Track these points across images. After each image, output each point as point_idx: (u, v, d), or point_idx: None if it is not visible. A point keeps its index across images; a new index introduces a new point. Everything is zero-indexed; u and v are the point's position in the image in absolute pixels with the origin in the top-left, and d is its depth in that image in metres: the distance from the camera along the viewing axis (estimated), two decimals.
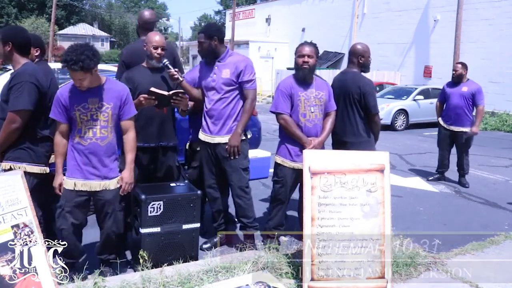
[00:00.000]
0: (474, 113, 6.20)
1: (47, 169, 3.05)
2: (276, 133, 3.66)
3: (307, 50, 3.43)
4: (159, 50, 3.35)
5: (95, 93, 2.87)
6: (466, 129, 6.05)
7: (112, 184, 2.96)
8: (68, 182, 2.91)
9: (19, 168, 2.90)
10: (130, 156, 3.02)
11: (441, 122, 6.29)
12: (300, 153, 3.44)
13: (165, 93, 3.23)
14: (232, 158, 3.49)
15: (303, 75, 3.48)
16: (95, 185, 2.92)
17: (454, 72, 6.15)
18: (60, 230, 2.90)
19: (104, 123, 2.89)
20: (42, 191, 3.00)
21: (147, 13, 3.99)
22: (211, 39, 3.47)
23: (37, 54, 3.38)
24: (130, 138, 3.04)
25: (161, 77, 3.44)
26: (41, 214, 2.96)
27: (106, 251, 3.12)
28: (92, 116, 2.86)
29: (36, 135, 2.99)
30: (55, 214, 2.95)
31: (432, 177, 6.53)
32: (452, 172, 6.53)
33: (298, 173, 3.45)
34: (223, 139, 3.51)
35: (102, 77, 2.94)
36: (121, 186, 3.00)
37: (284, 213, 3.73)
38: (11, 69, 3.27)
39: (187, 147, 4.01)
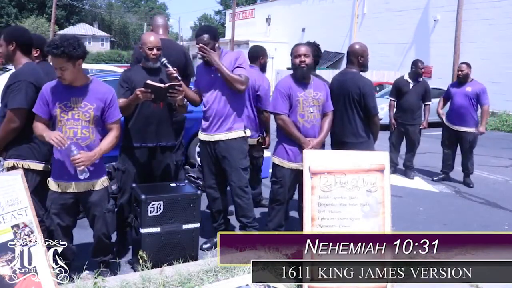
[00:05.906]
0: (479, 114, 6.18)
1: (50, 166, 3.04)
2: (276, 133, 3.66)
3: (302, 50, 3.45)
4: (154, 51, 3.32)
5: (78, 92, 2.81)
6: (471, 129, 6.03)
7: (96, 185, 2.91)
8: (52, 184, 2.87)
9: (22, 165, 2.90)
10: (102, 144, 2.86)
11: (446, 122, 6.27)
12: (299, 153, 3.43)
13: (161, 85, 3.19)
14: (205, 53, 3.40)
15: (302, 75, 3.47)
16: (79, 186, 2.87)
17: (459, 73, 6.12)
18: (48, 231, 2.88)
19: (86, 123, 2.81)
20: (45, 189, 2.98)
21: (158, 18, 4.16)
22: (215, 39, 3.49)
23: (36, 55, 3.38)
24: (110, 135, 2.92)
25: (159, 79, 3.42)
26: (44, 213, 2.95)
27: (100, 254, 3.11)
28: (73, 115, 2.79)
29: None
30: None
31: (437, 177, 6.50)
32: (454, 172, 6.53)
33: (297, 173, 3.45)
34: (222, 136, 3.52)
35: (88, 77, 2.89)
36: (106, 187, 2.97)
37: (284, 214, 3.72)
38: (11, 69, 3.27)
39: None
